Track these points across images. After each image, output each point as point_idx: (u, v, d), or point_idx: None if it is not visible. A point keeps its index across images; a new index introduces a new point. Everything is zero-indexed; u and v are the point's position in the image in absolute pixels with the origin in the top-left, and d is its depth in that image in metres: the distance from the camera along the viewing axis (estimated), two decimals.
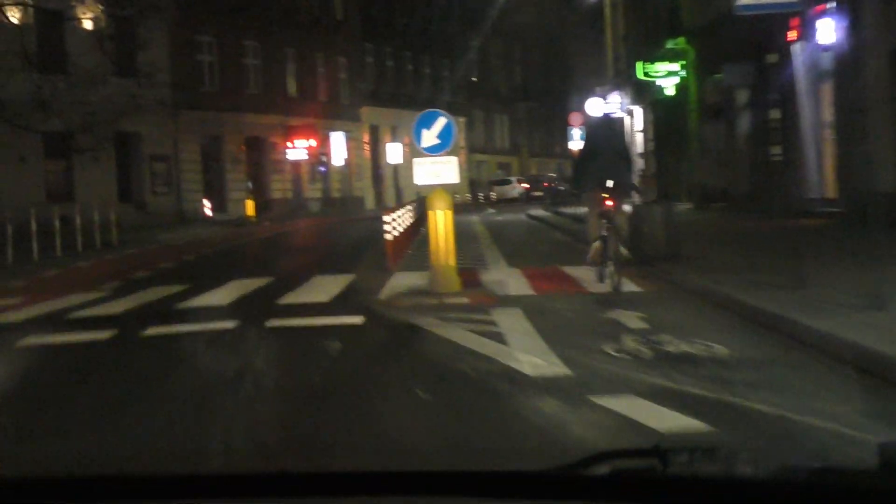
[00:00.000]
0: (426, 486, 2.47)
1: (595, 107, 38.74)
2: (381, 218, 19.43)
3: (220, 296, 14.21)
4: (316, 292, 14.18)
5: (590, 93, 42.95)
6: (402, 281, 14.83)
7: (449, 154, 13.85)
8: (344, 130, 53.34)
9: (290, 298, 13.66)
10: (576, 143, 42.72)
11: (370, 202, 58.10)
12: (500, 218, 37.65)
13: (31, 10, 40.02)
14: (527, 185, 63.91)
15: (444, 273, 13.16)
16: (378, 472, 2.62)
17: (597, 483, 2.39)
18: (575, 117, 44.62)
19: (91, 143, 38.17)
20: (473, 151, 70.49)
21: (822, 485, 2.35)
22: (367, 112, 58.05)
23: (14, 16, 39.70)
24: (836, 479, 2.41)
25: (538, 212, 37.73)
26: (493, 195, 63.92)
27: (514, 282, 14.34)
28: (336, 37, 55.56)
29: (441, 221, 13.27)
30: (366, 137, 58.39)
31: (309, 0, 54.11)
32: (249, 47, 49.64)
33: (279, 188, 50.95)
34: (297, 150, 50.34)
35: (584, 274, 14.09)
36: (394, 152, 57.51)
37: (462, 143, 68.03)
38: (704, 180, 30.34)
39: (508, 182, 65.23)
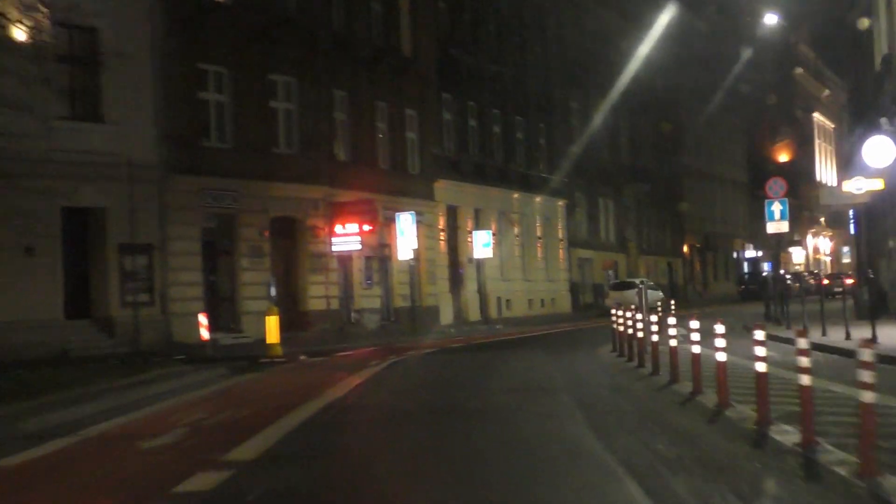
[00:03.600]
0: None
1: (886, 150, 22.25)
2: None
3: None
4: None
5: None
6: None
7: None
8: (413, 211, 36.65)
9: None
10: (777, 223, 29.23)
11: (446, 314, 41.21)
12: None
13: None
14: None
15: None
16: None
17: None
18: (776, 185, 28.99)
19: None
20: (574, 245, 53.58)
21: None
22: (442, 187, 41.54)
23: None
24: None
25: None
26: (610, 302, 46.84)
27: None
28: (402, 81, 39.32)
29: None
30: (441, 222, 41.76)
31: (368, 25, 37.99)
32: (279, 84, 33.38)
33: (319, 295, 34.23)
34: (348, 238, 33.85)
35: None
36: (480, 243, 40.74)
37: (560, 233, 51.50)
38: None
39: (632, 286, 48.10)
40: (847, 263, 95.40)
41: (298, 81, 33.69)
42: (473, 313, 43.04)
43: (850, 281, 42.13)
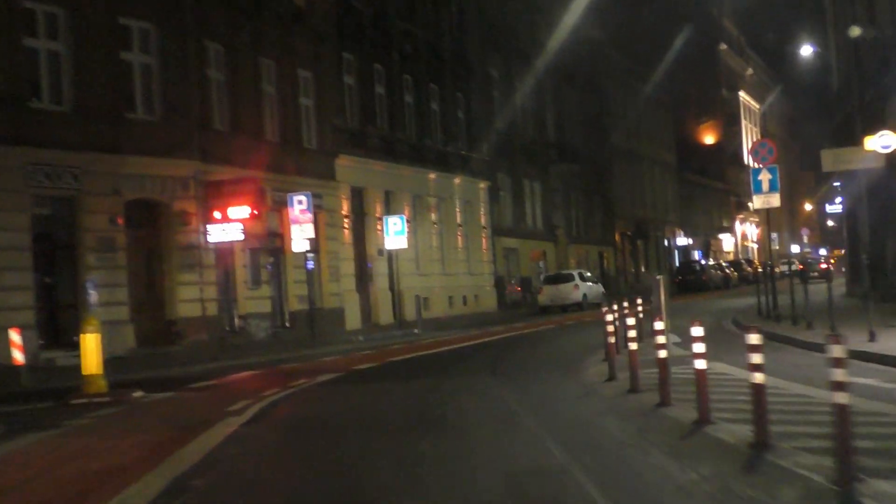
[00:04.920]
0: None
1: None
2: None
3: None
4: None
5: None
6: None
7: None
8: (309, 192, 29.73)
9: None
10: (766, 196, 23.58)
11: (353, 317, 34.39)
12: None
13: None
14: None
15: None
16: None
17: None
18: (762, 149, 23.63)
19: None
20: (499, 233, 47.05)
21: None
22: (345, 165, 34.74)
23: None
24: None
25: None
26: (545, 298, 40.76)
27: None
28: (294, 35, 32.48)
29: None
30: (345, 207, 34.89)
31: None
32: (134, 30, 26.30)
33: (192, 298, 27.18)
34: (227, 226, 26.94)
35: None
36: (392, 231, 33.99)
37: (483, 220, 45.04)
38: None
39: (569, 279, 41.79)
40: (776, 250, 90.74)
41: (159, 28, 26.61)
42: (385, 315, 36.31)
43: (823, 266, 36.79)
